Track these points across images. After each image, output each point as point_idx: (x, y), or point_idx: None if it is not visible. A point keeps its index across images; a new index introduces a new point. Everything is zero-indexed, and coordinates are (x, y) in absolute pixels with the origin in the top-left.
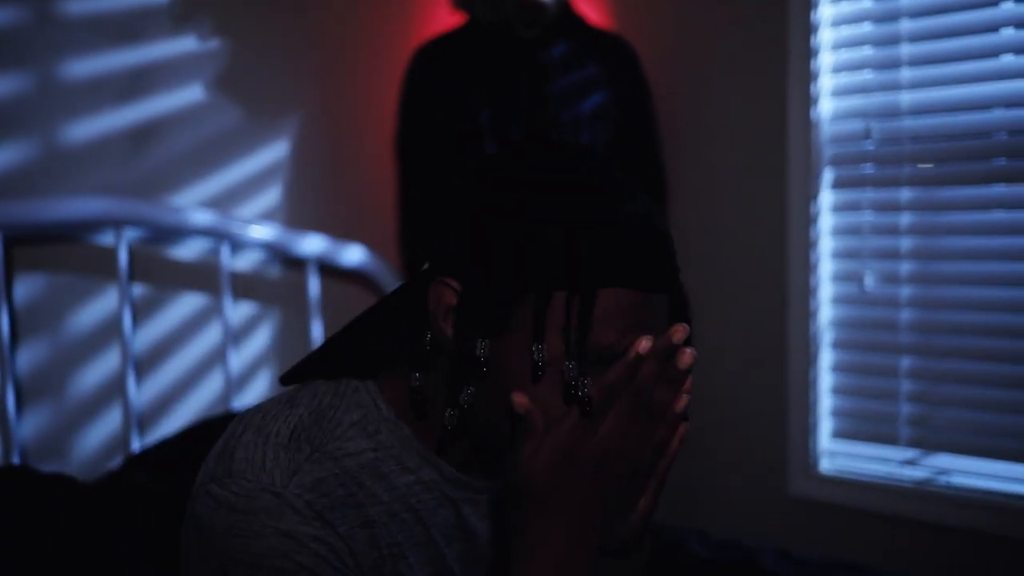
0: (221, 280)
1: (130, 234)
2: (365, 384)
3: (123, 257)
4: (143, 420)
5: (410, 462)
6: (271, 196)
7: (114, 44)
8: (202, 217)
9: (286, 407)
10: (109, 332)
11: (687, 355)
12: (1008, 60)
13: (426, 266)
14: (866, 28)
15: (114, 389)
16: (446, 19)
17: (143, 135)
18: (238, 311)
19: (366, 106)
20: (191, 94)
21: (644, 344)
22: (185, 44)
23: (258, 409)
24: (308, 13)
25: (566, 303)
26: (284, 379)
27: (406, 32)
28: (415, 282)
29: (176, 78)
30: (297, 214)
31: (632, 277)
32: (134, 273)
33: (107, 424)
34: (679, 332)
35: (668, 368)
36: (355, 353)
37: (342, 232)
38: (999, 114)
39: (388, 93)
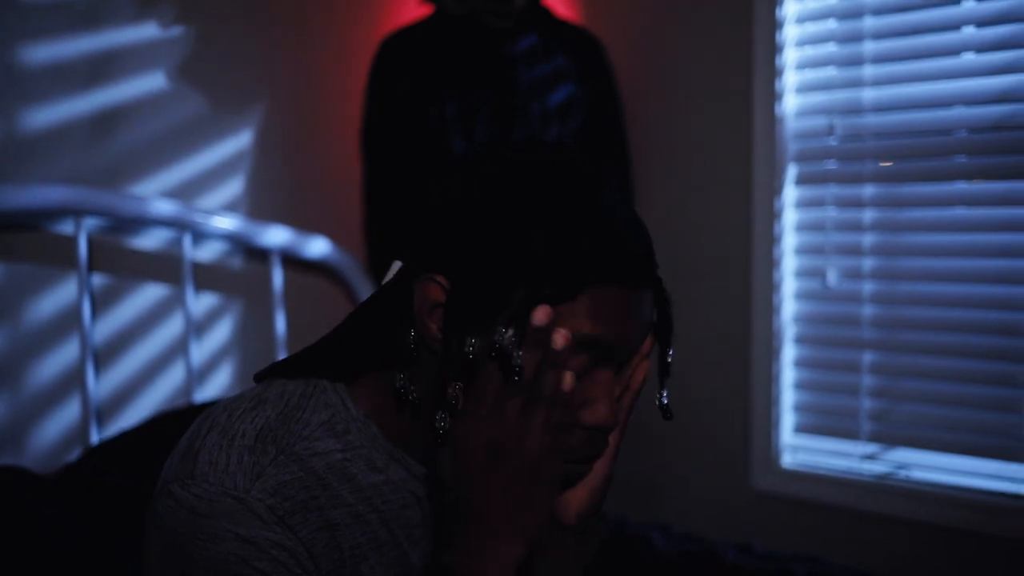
0: (183, 271)
1: (90, 223)
2: (334, 385)
3: (83, 247)
4: (102, 412)
5: (379, 461)
6: (234, 186)
7: (76, 29)
8: (164, 207)
9: (253, 406)
10: (68, 322)
11: (559, 336)
12: (969, 58)
13: (399, 264)
14: (830, 25)
15: (73, 380)
16: (414, 10)
17: (105, 122)
18: (200, 302)
19: (331, 97)
20: (154, 82)
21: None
22: (148, 31)
23: (224, 408)
24: (273, 1)
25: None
26: (258, 376)
27: (373, 22)
28: (397, 281)
29: (138, 65)
30: (260, 205)
31: (618, 272)
32: (94, 263)
33: (65, 416)
34: (539, 314)
35: (548, 352)
36: (334, 354)
37: (306, 224)
38: (960, 111)
39: (354, 84)
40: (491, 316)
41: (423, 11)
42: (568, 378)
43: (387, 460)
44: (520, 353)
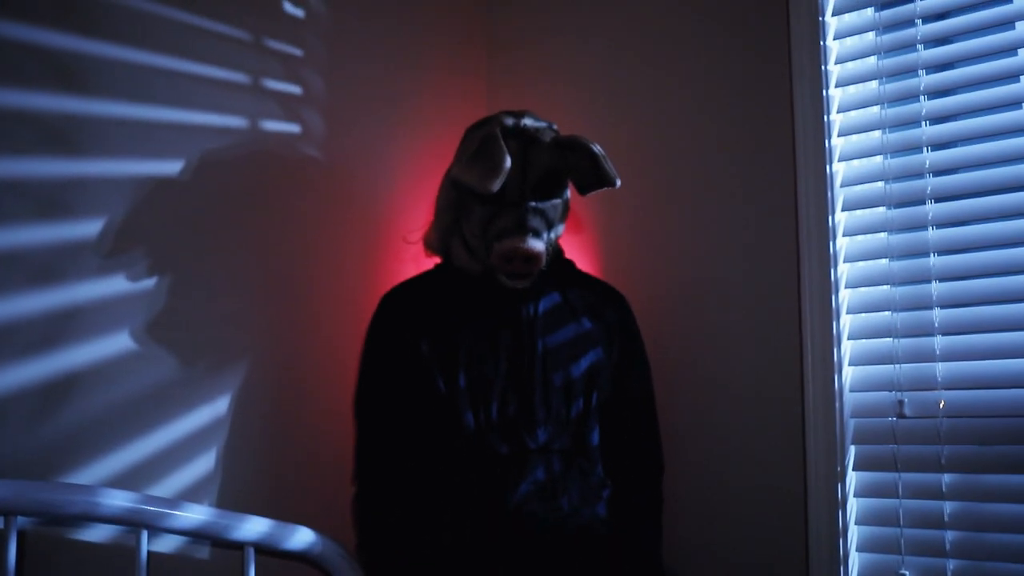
0: (137, 571)
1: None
2: None
3: (11, 554)
4: None
5: None
6: (204, 463)
7: (30, 285)
8: (116, 500)
9: None
10: None
11: None
12: None
13: None
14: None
15: None
16: (420, 262)
17: (55, 393)
18: None
19: (323, 358)
20: (117, 343)
21: None
22: (114, 285)
23: None
24: (259, 253)
25: None
26: None
27: (372, 275)
28: None
29: (101, 324)
30: (235, 485)
31: None
32: (26, 567)
33: None
34: None
35: None
36: None
37: (286, 506)
38: None
39: (349, 343)
40: None
41: (431, 262)
42: None
43: None
44: None
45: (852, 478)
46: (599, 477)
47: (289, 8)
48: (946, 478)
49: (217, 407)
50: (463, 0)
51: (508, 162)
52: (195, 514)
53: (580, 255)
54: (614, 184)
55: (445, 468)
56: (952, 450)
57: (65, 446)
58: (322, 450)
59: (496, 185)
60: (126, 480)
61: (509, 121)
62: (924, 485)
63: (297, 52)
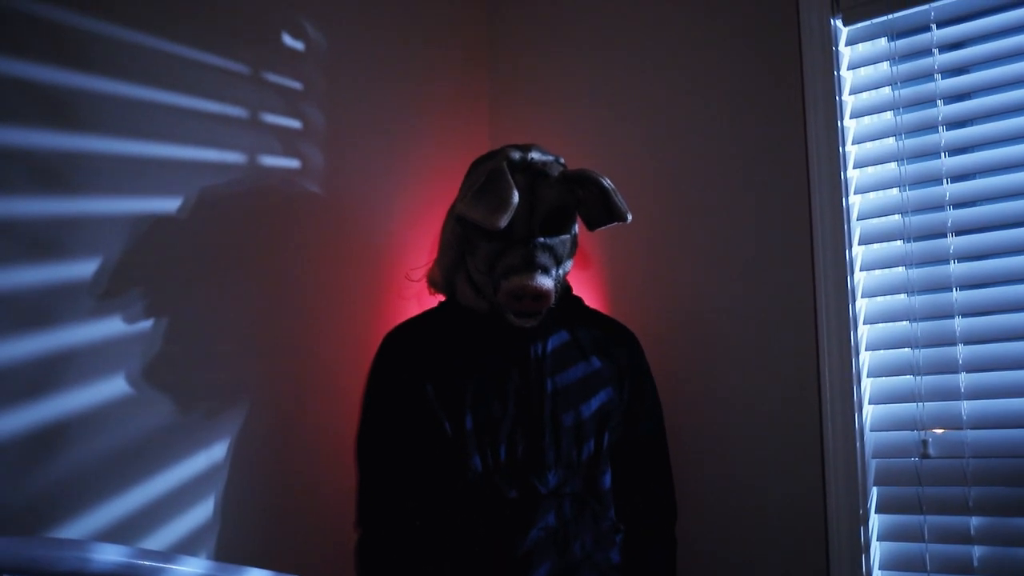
0: None
1: None
2: None
3: None
4: None
5: None
6: (201, 513)
7: (20, 328)
8: (109, 556)
9: None
10: None
11: None
12: None
13: None
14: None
15: None
16: (424, 299)
17: (45, 441)
18: None
19: (324, 400)
20: (111, 388)
21: None
22: (109, 326)
23: None
24: (257, 293)
25: None
26: None
27: (374, 314)
28: None
29: (94, 368)
30: (232, 537)
31: None
32: None
33: None
34: None
35: None
36: None
37: (288, 556)
38: None
39: (351, 385)
40: None
41: (432, 301)
42: None
43: None
44: None
45: (875, 521)
46: (611, 521)
47: (288, 41)
48: (974, 521)
49: (214, 454)
50: (464, 31)
51: (516, 197)
52: (192, 568)
53: (588, 291)
54: (625, 219)
55: (451, 513)
56: (980, 492)
57: (55, 498)
58: (324, 497)
59: (504, 221)
60: (119, 533)
61: (516, 155)
62: (951, 528)
63: (297, 85)
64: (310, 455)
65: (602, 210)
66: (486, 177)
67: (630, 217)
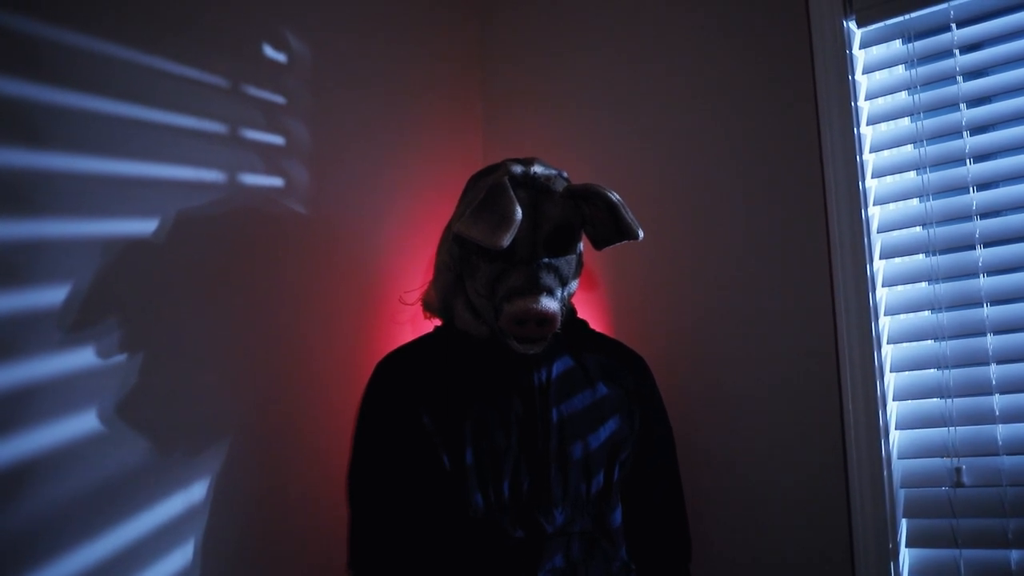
0: None
1: None
2: None
3: None
4: None
5: None
6: (180, 557)
7: None
8: None
9: None
10: None
11: None
12: None
13: None
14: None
15: None
16: (419, 324)
17: (9, 482)
18: None
19: (313, 434)
20: (81, 424)
21: None
22: (78, 358)
23: None
24: (240, 320)
25: None
26: None
27: (366, 340)
28: None
29: (62, 404)
30: None
31: None
32: None
33: None
34: None
35: None
36: None
37: None
38: None
39: (342, 417)
40: None
41: (428, 326)
42: None
43: None
44: None
45: (906, 555)
46: (623, 562)
47: (269, 52)
48: (1014, 555)
49: (193, 493)
50: (456, 40)
51: (519, 214)
52: None
53: (592, 313)
54: (636, 236)
55: (451, 555)
56: (1019, 523)
57: (21, 544)
58: (313, 537)
59: (507, 240)
60: None
61: (517, 169)
62: (990, 563)
63: (279, 99)
64: (297, 494)
65: (611, 227)
66: (486, 193)
67: (642, 234)
